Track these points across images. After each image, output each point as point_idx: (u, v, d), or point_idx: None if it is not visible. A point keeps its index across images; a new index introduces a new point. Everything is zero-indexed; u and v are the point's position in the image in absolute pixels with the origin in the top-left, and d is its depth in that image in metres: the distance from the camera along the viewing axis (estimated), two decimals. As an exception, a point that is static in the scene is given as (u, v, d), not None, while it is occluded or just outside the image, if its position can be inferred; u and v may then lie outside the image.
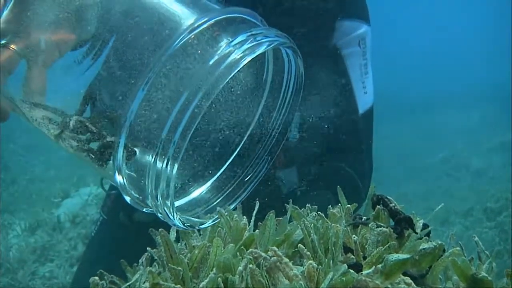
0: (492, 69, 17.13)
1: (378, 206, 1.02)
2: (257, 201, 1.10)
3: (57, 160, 8.51)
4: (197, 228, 1.03)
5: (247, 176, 1.16)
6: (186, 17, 0.91)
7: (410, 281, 0.88)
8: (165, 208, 0.92)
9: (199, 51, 0.87)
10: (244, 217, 1.05)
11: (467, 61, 20.33)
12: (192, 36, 0.86)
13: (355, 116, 1.90)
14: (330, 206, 1.07)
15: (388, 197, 1.01)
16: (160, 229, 0.96)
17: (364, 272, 0.87)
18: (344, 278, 0.82)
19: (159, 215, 0.94)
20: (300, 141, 1.78)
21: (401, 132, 11.15)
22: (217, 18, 0.90)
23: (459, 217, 6.44)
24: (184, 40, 0.86)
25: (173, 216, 0.95)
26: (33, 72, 0.92)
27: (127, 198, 0.94)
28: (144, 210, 0.98)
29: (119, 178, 0.90)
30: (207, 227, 1.04)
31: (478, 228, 5.83)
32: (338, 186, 1.11)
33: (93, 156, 0.92)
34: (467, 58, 21.07)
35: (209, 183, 1.17)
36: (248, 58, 0.86)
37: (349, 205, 1.05)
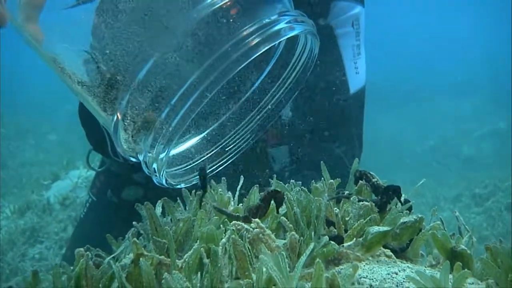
0: (485, 60, 17.15)
1: (360, 181, 1.03)
2: (242, 177, 1.11)
3: (47, 144, 8.46)
4: (175, 186, 1.04)
5: (229, 146, 1.17)
6: None
7: (391, 253, 0.89)
8: (156, 163, 0.92)
9: (230, 21, 0.87)
10: (229, 192, 1.06)
11: (460, 51, 20.34)
12: (228, 3, 0.85)
13: (346, 96, 1.90)
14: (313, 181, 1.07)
15: (371, 172, 1.02)
16: (145, 202, 0.96)
17: (345, 244, 0.88)
18: (325, 250, 0.83)
19: (145, 169, 0.94)
20: (291, 119, 1.79)
21: (391, 119, 11.18)
22: None
23: (448, 202, 6.52)
24: (217, 5, 0.85)
25: (161, 173, 0.95)
26: None
27: (117, 141, 0.93)
28: (131, 159, 0.98)
29: (118, 117, 0.89)
30: (182, 187, 1.05)
31: (466, 213, 5.90)
32: (321, 162, 1.12)
33: (98, 93, 0.91)
34: (460, 48, 21.07)
35: (199, 137, 1.18)
36: (278, 40, 0.88)
37: (332, 180, 1.06)
